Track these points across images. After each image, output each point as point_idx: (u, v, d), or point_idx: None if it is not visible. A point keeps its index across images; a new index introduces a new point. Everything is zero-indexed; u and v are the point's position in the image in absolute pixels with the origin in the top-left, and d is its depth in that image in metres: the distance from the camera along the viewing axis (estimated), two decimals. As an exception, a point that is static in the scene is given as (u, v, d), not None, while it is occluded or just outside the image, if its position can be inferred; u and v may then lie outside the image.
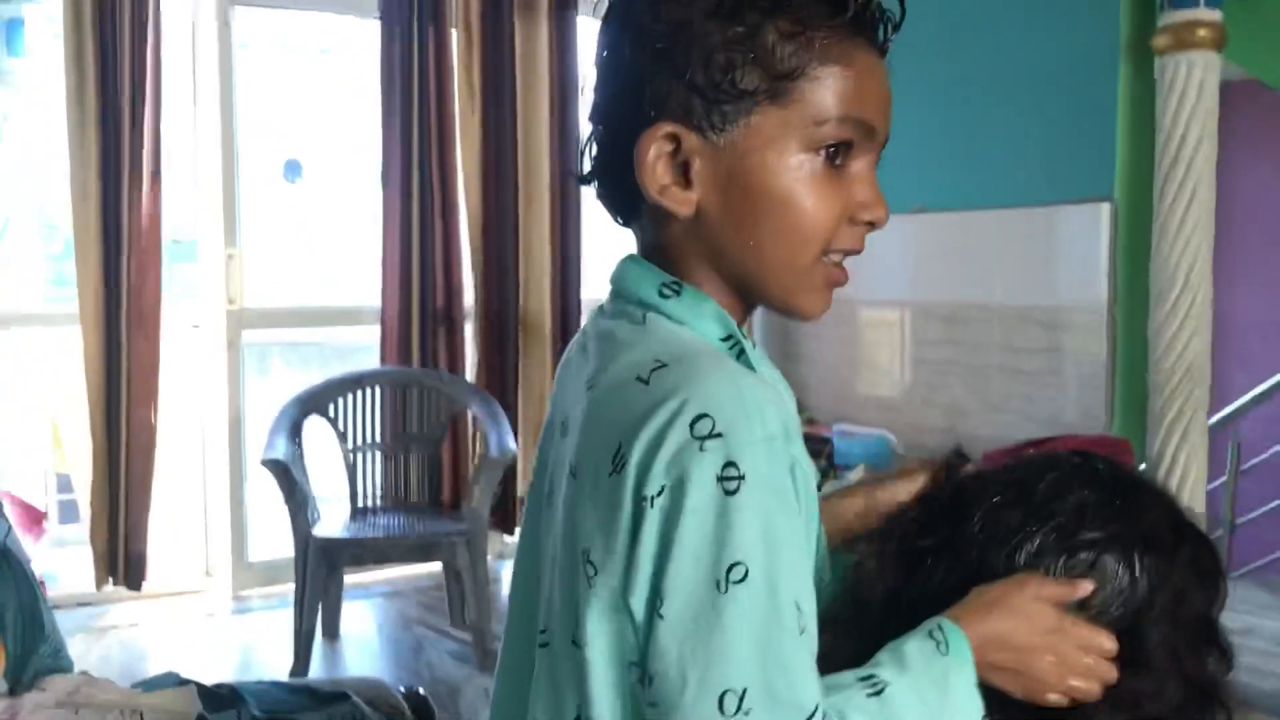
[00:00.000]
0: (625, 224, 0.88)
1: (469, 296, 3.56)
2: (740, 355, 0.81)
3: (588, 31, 3.66)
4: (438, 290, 3.47)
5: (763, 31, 0.77)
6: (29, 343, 4.51)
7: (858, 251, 0.84)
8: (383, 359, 3.45)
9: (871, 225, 0.83)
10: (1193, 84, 2.49)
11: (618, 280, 0.86)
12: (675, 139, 0.79)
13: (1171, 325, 2.52)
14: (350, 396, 3.20)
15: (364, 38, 3.52)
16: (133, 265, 3.14)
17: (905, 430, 3.33)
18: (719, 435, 0.70)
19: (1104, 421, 2.71)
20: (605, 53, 0.83)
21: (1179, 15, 2.51)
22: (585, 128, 0.87)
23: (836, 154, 0.80)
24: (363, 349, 3.68)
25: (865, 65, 0.80)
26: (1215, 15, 2.51)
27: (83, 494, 3.22)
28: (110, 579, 3.20)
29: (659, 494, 0.71)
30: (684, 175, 0.80)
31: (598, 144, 0.85)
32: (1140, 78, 2.66)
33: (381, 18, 3.40)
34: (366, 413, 3.21)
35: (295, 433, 3.02)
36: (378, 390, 3.25)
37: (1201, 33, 2.50)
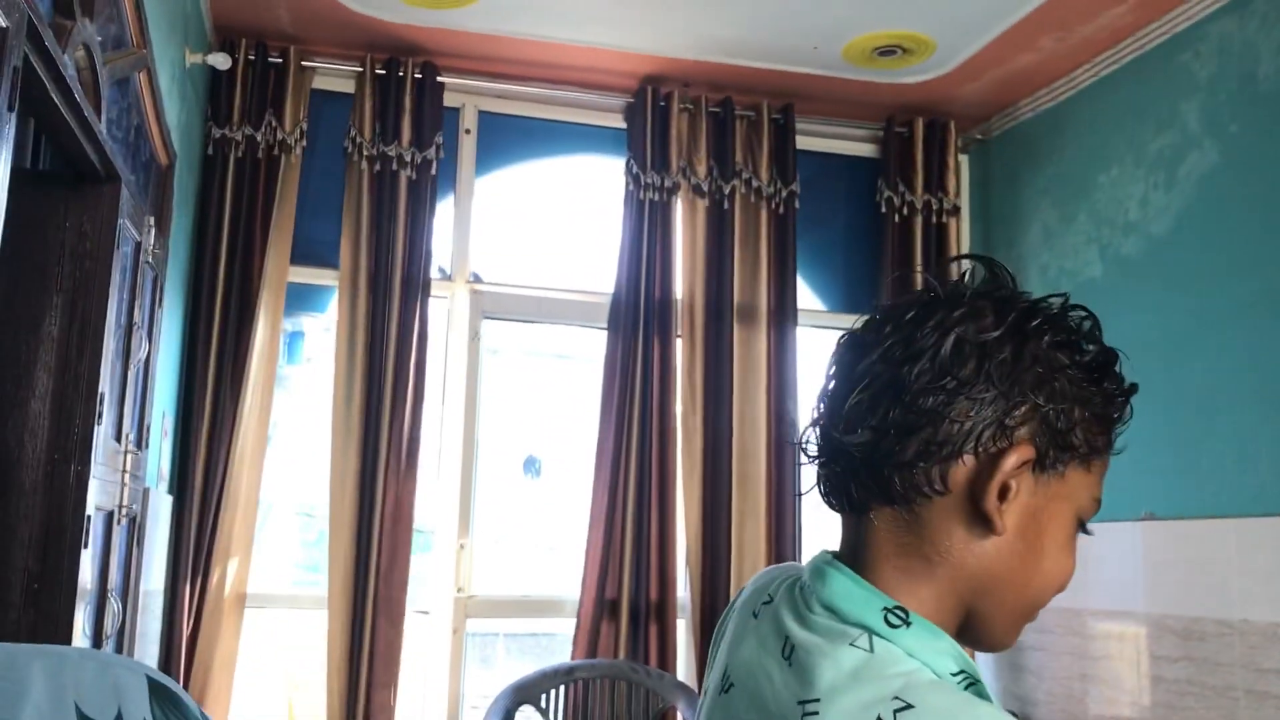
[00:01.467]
0: (849, 510, 0.89)
1: (683, 591, 3.62)
2: (970, 687, 0.81)
3: (805, 341, 3.83)
4: (650, 583, 3.54)
5: (1110, 406, 0.87)
6: (277, 624, 4.84)
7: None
8: (574, 651, 3.50)
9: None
10: None
11: (827, 592, 0.85)
12: (1026, 463, 0.83)
13: None
14: (562, 688, 3.25)
15: (599, 346, 3.81)
16: (383, 552, 3.38)
17: (1144, 756, 3.08)
18: None
19: (1370, 757, 2.43)
20: (951, 353, 0.84)
21: None
22: (805, 421, 0.91)
23: (1082, 526, 0.90)
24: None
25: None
26: None
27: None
28: None
29: None
30: (1000, 496, 0.83)
31: (871, 429, 0.85)
32: (1375, 385, 2.55)
33: (608, 327, 3.68)
34: (577, 705, 3.24)
35: (507, 722, 3.08)
36: (588, 683, 3.29)
37: None
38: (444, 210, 3.73)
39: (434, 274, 3.67)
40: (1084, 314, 0.88)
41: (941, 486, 0.83)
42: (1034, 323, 0.84)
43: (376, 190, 3.56)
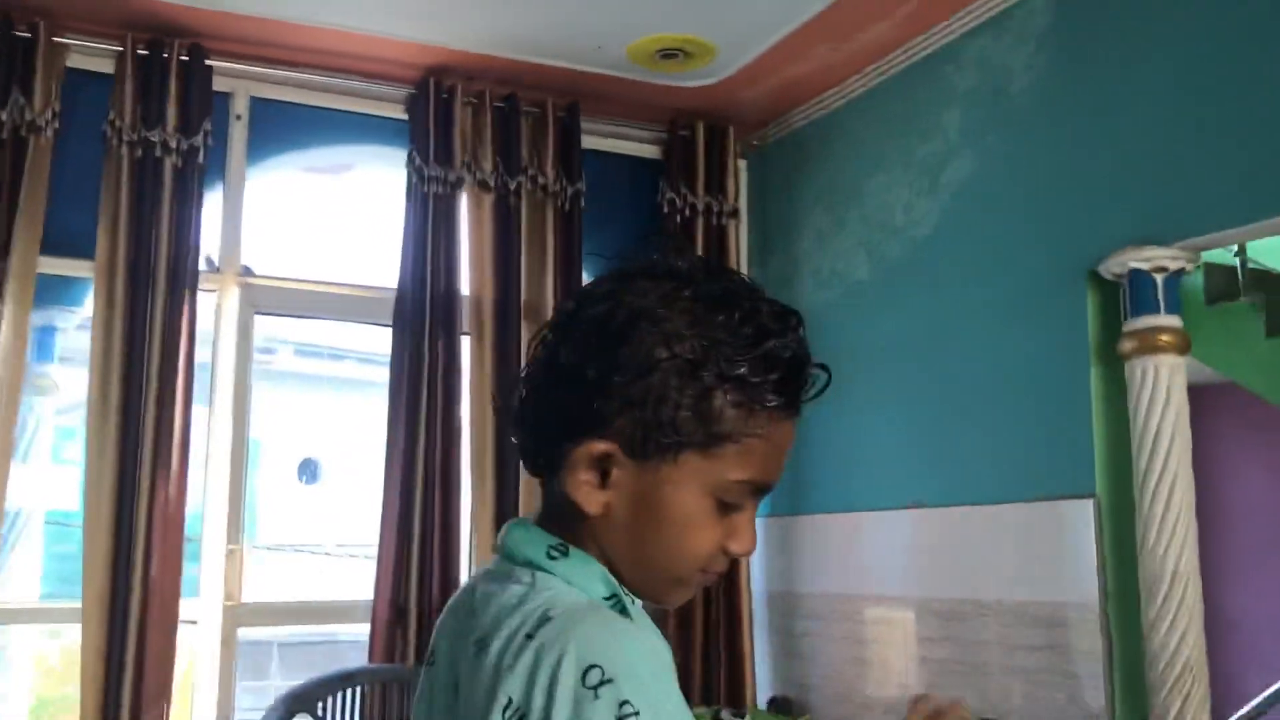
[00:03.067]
0: (533, 473, 0.97)
1: (466, 593, 3.56)
2: (623, 612, 0.88)
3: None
4: (435, 586, 3.47)
5: (714, 395, 0.87)
6: (22, 643, 4.49)
7: (722, 572, 0.95)
8: (370, 656, 3.41)
9: (736, 556, 0.94)
10: (1160, 386, 2.60)
11: (505, 543, 0.94)
12: (608, 455, 0.89)
13: (1164, 621, 2.51)
14: (341, 695, 3.15)
15: (378, 343, 3.71)
16: (152, 560, 3.17)
17: (909, 733, 3.23)
18: (609, 681, 0.76)
19: (1107, 722, 2.64)
20: (564, 349, 0.91)
21: (1140, 322, 2.65)
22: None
23: (730, 505, 0.91)
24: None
25: (784, 437, 0.91)
26: (1175, 321, 2.65)
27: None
28: None
29: None
30: (602, 478, 0.89)
31: (530, 409, 0.94)
32: (1111, 379, 2.77)
33: (393, 325, 3.59)
34: (356, 713, 3.14)
35: (282, 733, 2.95)
36: (368, 689, 3.19)
37: (1164, 338, 2.63)
38: (213, 200, 3.54)
39: (202, 266, 3.48)
40: (748, 302, 0.89)
41: (552, 466, 0.91)
42: (641, 311, 0.88)
43: (138, 178, 3.34)
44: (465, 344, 3.70)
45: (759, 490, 0.91)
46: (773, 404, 0.88)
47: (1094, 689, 2.69)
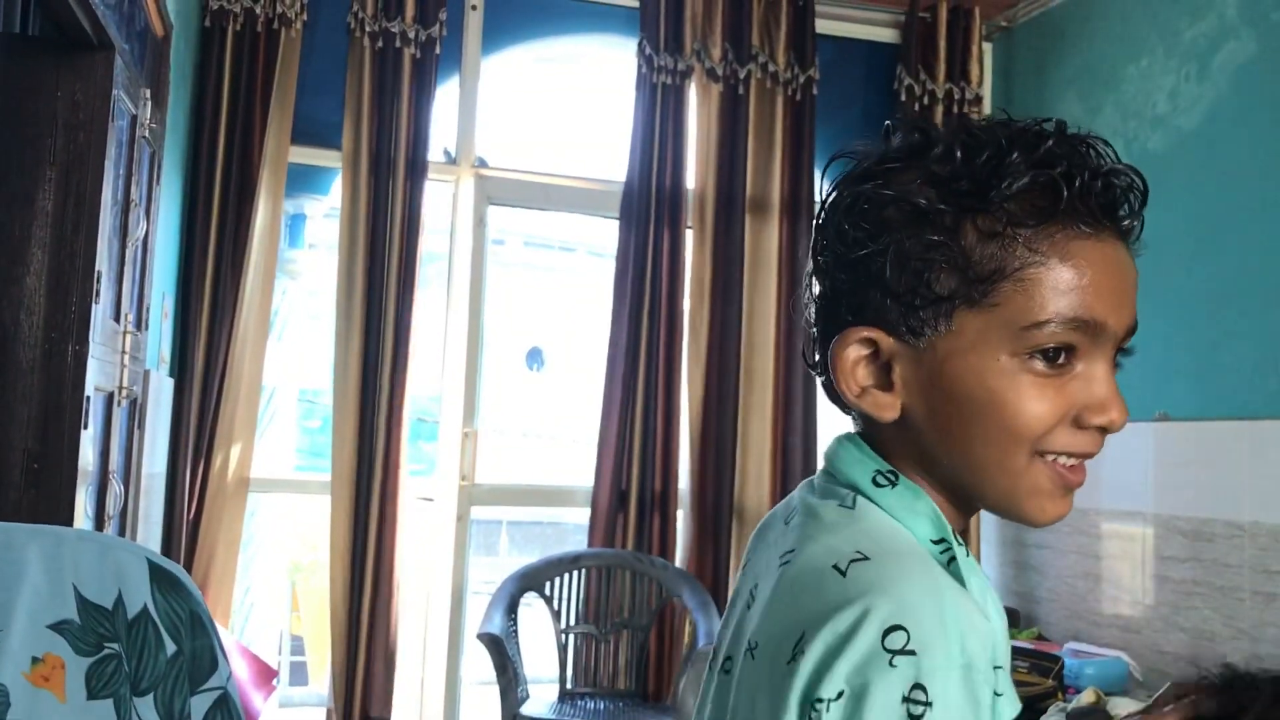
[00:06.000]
0: (845, 411, 0.85)
1: (684, 483, 3.60)
2: (951, 563, 0.76)
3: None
4: (655, 475, 3.52)
5: (960, 233, 0.74)
6: (277, 510, 4.85)
7: (1089, 455, 0.78)
8: (590, 540, 3.50)
9: (1104, 430, 0.76)
10: None
11: (831, 457, 0.83)
12: (872, 343, 0.77)
13: None
14: (566, 576, 3.25)
15: (603, 237, 3.73)
16: (390, 440, 3.34)
17: (1145, 653, 3.09)
18: (911, 653, 0.66)
19: (1377, 660, 2.43)
20: (814, 255, 0.83)
21: None
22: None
23: (1057, 355, 0.74)
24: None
25: (1090, 257, 0.73)
26: None
27: (320, 656, 3.34)
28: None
29: (836, 698, 0.66)
30: (887, 378, 0.78)
31: (816, 339, 0.84)
32: None
33: (620, 218, 3.59)
34: (580, 593, 3.25)
35: (512, 609, 3.09)
36: (592, 572, 3.29)
37: None
38: (449, 91, 3.60)
39: (439, 158, 3.56)
40: (967, 131, 0.76)
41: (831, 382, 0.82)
42: (865, 190, 0.77)
43: (379, 69, 3.43)
44: (689, 237, 3.67)
45: (1085, 329, 0.73)
46: (1034, 222, 0.73)
47: (1363, 623, 2.48)
